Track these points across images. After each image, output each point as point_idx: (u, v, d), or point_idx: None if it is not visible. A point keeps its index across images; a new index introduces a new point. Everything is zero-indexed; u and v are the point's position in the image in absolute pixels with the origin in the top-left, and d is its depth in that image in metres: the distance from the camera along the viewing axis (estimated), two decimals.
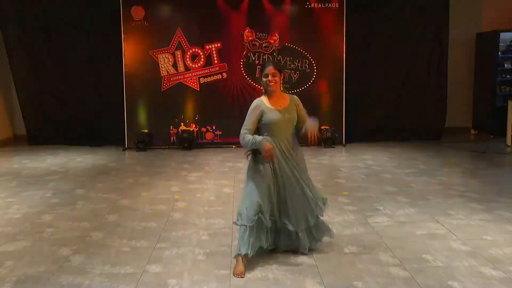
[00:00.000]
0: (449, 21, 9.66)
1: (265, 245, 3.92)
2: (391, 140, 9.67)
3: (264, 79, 3.91)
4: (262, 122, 3.89)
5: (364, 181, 6.70)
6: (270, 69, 3.89)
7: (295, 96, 4.10)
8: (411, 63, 9.78)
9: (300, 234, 4.01)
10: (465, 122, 10.73)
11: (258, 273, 3.75)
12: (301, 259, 4.00)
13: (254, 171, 3.92)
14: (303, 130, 3.94)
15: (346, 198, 5.82)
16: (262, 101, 3.95)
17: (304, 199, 3.96)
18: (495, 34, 9.92)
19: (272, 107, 3.90)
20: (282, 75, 3.98)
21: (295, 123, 3.99)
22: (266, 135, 3.89)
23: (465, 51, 10.50)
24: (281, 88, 4.04)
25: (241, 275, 3.72)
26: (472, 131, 10.67)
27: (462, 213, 5.14)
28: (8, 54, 9.67)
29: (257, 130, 3.95)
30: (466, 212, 5.20)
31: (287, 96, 4.03)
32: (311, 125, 3.90)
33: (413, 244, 4.31)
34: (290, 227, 3.97)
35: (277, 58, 9.37)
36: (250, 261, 3.94)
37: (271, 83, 3.88)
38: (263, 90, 4.02)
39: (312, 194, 4.00)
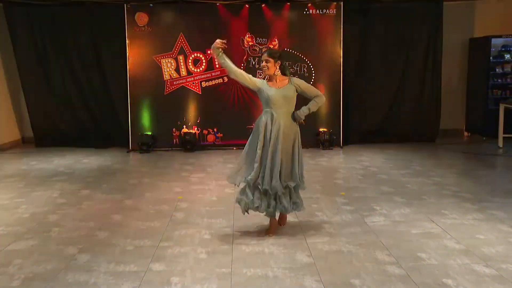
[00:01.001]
0: (443, 27, 9.78)
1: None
2: (388, 142, 9.76)
3: (262, 64, 4.71)
4: (262, 98, 4.65)
5: (361, 182, 6.80)
6: (264, 56, 4.69)
7: (294, 78, 4.80)
8: (407, 68, 9.92)
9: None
10: (459, 124, 10.85)
11: (258, 271, 3.84)
12: (300, 257, 4.10)
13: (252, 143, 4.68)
14: (294, 114, 4.69)
15: (344, 198, 5.93)
16: (264, 82, 4.72)
17: (289, 166, 4.62)
18: (487, 40, 10.06)
19: (270, 85, 4.64)
20: (279, 61, 4.66)
21: (293, 101, 4.69)
22: (267, 110, 4.61)
23: (458, 56, 10.61)
24: (276, 73, 4.68)
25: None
26: (465, 133, 10.79)
27: (456, 213, 5.24)
28: (17, 59, 9.81)
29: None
30: (459, 211, 5.30)
31: (286, 78, 4.71)
32: (300, 112, 4.67)
33: (409, 243, 4.40)
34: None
35: None
36: (250, 259, 4.07)
37: (264, 68, 4.68)
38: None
39: (298, 167, 4.64)
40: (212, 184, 6.77)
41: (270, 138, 4.53)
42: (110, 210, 5.59)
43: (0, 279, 3.76)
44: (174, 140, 9.70)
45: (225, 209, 5.54)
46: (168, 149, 9.63)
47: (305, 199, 5.82)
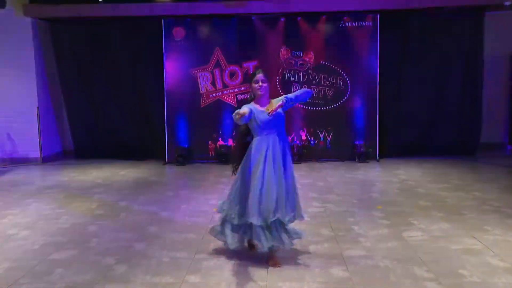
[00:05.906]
0: (484, 38, 9.55)
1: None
2: (425, 156, 9.56)
3: (254, 85, 4.30)
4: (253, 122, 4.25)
5: (398, 196, 6.68)
6: (260, 76, 4.29)
7: (277, 98, 4.32)
8: (446, 80, 9.72)
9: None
10: (501, 137, 10.52)
11: (294, 285, 3.80)
12: (336, 272, 4.04)
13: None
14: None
15: (381, 212, 5.83)
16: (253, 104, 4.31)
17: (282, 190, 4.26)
18: None
19: (260, 109, 4.25)
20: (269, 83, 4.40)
21: (283, 121, 4.33)
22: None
23: (500, 68, 10.33)
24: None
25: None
26: (509, 147, 10.44)
27: (498, 229, 5.06)
28: (60, 74, 10.24)
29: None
30: (502, 228, 5.11)
31: (273, 100, 4.30)
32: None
33: (449, 259, 4.26)
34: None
35: (312, 76, 9.53)
36: (286, 273, 4.03)
37: (261, 88, 4.28)
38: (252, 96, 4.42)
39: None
40: None
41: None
42: (147, 221, 5.66)
43: (43, 287, 3.88)
44: (210, 153, 9.81)
45: None
46: (204, 161, 9.74)
47: (341, 212, 5.78)
